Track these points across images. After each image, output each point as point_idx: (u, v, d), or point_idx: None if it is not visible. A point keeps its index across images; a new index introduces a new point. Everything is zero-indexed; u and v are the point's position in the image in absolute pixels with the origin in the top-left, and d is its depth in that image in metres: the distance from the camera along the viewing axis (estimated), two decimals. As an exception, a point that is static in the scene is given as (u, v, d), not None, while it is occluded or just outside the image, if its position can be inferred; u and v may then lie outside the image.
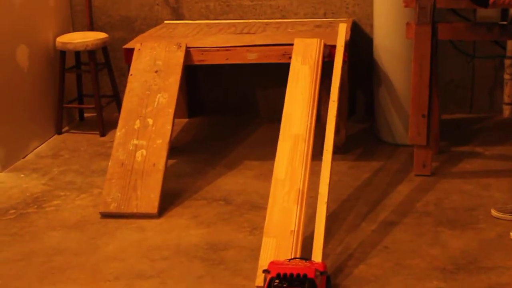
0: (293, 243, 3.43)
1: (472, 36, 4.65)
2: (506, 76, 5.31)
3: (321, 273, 3.13)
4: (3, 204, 4.32)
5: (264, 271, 3.16)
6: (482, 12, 4.92)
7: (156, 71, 4.57)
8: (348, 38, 4.58)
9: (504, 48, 5.27)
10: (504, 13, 4.71)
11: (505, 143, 4.90)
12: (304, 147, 3.85)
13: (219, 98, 5.76)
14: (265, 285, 3.10)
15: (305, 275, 3.08)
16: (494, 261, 3.47)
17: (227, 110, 5.74)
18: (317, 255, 3.29)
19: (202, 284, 3.39)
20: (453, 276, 3.36)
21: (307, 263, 3.18)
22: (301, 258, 3.30)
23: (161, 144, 4.28)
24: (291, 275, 3.08)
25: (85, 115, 5.80)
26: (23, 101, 5.05)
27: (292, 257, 3.36)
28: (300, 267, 3.13)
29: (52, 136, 5.41)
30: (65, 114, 5.54)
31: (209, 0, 5.62)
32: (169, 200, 4.22)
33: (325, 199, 3.49)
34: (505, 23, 4.42)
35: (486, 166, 4.56)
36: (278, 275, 3.09)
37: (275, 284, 3.07)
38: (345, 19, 5.37)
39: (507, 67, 5.30)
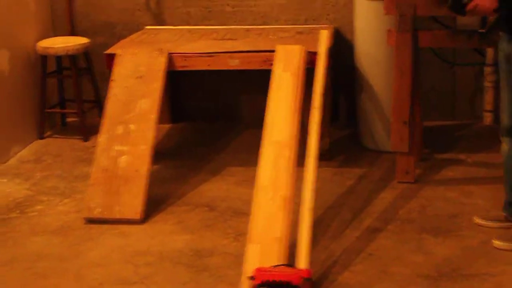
0: (278, 250, 3.42)
1: (452, 44, 4.67)
2: (487, 84, 5.34)
3: (306, 279, 3.13)
4: (-15, 210, 4.31)
5: (249, 277, 3.16)
6: (462, 20, 4.93)
7: (138, 77, 4.55)
8: (330, 44, 4.59)
9: (483, 55, 5.31)
10: (484, 21, 4.74)
11: (487, 150, 4.92)
12: (288, 154, 3.85)
13: (202, 103, 5.74)
14: (251, 292, 3.11)
15: (290, 282, 3.08)
16: (477, 268, 3.49)
17: (210, 116, 5.73)
18: (302, 262, 3.29)
19: (187, 291, 3.40)
20: (436, 283, 3.38)
21: (293, 270, 3.19)
22: (286, 265, 3.31)
23: (144, 149, 4.26)
24: (276, 281, 3.09)
25: (68, 120, 5.77)
26: (4, 105, 5.01)
27: (277, 263, 3.35)
28: (285, 274, 3.14)
29: (34, 141, 5.37)
30: (47, 119, 5.51)
31: (190, 6, 5.61)
32: (153, 205, 4.21)
33: (310, 206, 3.49)
34: (483, 31, 4.45)
35: (468, 173, 4.59)
36: (263, 282, 3.10)
37: (260, 290, 3.09)
38: (326, 25, 5.38)
39: (487, 74, 5.33)
